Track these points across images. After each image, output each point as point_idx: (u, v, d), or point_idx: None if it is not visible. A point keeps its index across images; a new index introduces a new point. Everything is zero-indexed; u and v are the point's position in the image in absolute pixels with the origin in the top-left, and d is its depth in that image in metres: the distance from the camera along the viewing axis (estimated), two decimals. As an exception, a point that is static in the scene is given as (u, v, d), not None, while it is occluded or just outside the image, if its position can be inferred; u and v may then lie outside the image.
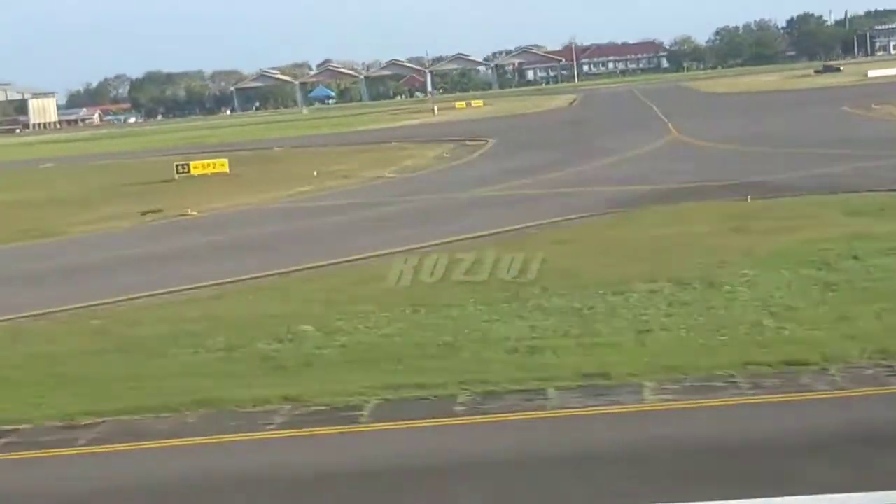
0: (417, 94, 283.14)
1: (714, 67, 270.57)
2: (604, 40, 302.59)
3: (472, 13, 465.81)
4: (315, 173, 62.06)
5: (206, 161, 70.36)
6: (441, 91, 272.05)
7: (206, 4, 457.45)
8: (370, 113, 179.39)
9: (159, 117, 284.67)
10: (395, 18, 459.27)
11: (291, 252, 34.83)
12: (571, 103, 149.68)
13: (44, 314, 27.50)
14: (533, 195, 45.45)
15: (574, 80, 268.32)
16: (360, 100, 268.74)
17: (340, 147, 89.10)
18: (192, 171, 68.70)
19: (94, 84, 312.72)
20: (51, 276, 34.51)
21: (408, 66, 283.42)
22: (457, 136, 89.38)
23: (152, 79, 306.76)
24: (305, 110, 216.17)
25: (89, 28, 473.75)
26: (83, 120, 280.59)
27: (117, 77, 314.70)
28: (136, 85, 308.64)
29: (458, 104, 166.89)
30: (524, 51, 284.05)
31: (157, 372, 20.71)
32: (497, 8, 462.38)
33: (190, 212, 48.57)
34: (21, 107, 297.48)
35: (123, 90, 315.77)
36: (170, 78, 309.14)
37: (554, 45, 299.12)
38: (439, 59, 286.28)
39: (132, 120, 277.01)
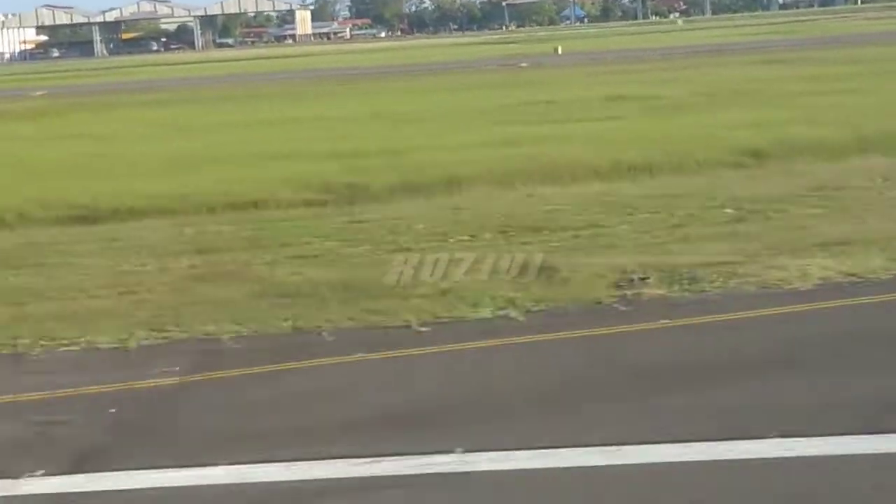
0: (673, 14, 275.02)
1: None
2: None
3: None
4: None
5: None
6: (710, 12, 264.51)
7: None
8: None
9: (398, 33, 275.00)
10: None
11: None
12: None
13: None
14: None
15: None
16: (634, 17, 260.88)
17: None
18: None
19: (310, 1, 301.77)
20: None
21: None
22: None
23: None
24: (680, 21, 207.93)
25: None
26: (335, 34, 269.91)
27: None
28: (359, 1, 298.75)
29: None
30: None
31: None
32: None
33: None
34: (246, 20, 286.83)
35: (341, 6, 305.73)
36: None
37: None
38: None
39: (382, 34, 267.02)
